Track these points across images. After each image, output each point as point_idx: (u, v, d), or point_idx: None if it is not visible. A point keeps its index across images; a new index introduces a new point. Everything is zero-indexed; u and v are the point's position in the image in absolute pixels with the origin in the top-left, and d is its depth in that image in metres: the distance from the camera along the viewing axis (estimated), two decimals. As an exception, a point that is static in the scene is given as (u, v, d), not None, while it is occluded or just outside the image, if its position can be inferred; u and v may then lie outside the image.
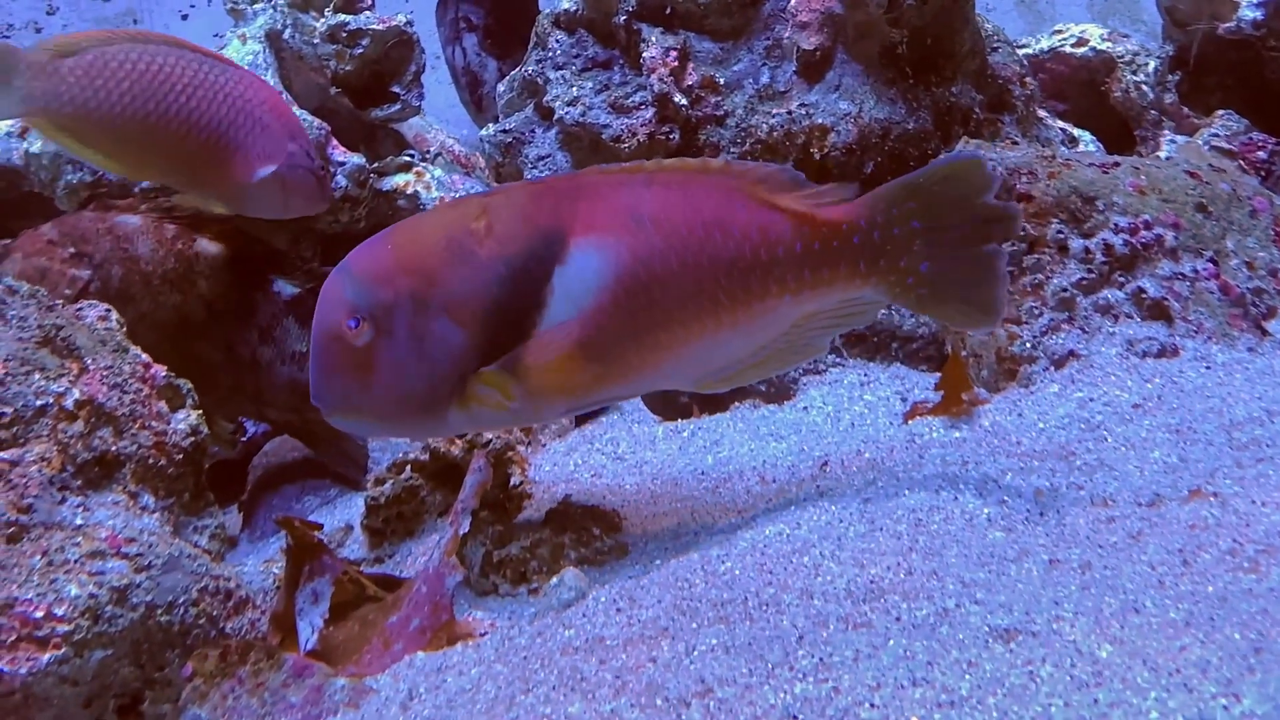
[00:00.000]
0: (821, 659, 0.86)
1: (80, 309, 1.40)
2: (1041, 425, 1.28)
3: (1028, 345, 1.41)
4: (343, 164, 2.30)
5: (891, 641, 0.86)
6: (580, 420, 1.68)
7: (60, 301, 1.37)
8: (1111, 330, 1.41)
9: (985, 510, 1.12)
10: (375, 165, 2.37)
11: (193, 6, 4.64)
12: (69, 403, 1.24)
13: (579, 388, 1.18)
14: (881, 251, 1.18)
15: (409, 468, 1.47)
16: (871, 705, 0.77)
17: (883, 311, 1.66)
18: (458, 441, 1.46)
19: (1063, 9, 4.07)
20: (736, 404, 1.61)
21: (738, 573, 1.08)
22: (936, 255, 1.18)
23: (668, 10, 2.03)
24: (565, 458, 1.52)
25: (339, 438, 1.78)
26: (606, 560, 1.27)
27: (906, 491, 1.19)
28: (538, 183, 1.20)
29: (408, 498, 1.45)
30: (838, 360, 1.65)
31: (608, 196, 1.18)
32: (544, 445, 1.57)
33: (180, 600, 1.15)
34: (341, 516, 1.60)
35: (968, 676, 0.79)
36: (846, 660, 0.85)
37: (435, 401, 1.16)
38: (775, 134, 1.95)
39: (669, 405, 1.64)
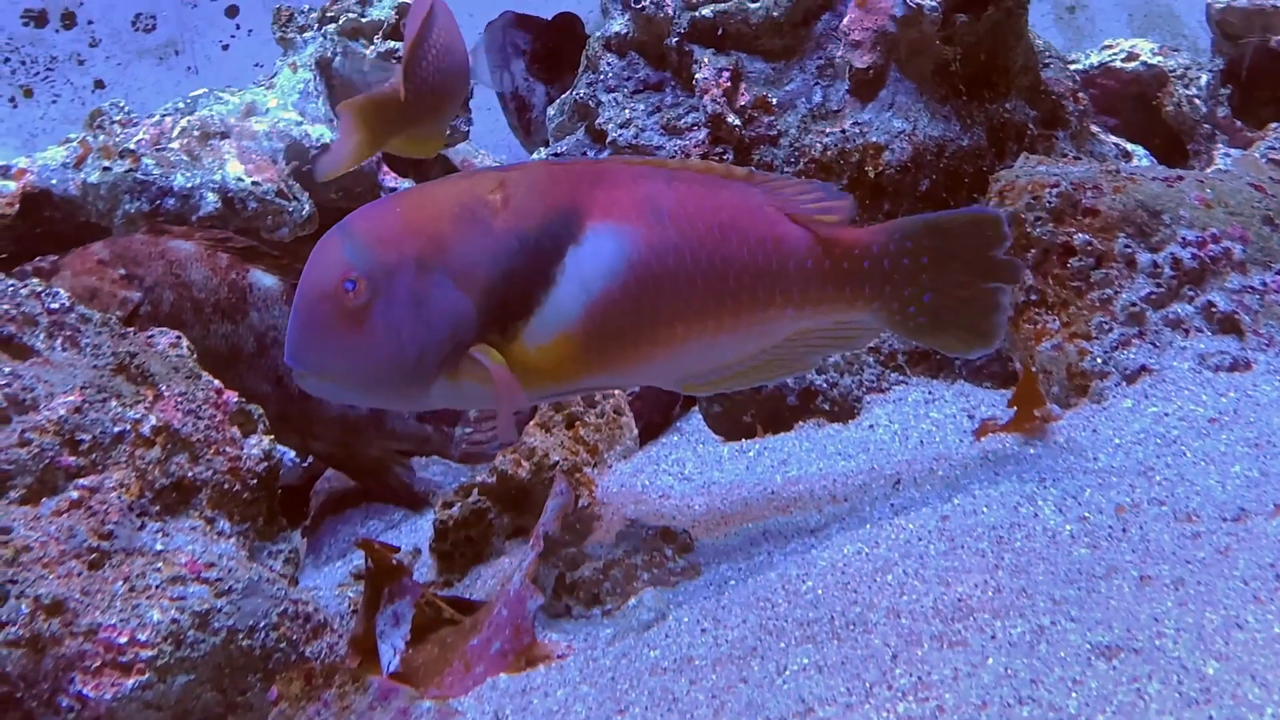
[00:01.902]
0: (920, 678, 0.85)
1: (151, 336, 1.41)
2: (1117, 441, 1.27)
3: (1099, 361, 1.40)
4: (394, 190, 2.31)
5: (990, 660, 0.86)
6: (644, 440, 1.68)
7: (133, 329, 1.39)
8: (1183, 344, 1.40)
9: (1067, 527, 1.11)
10: (426, 190, 2.38)
11: (233, 37, 4.69)
12: (146, 429, 1.25)
13: (570, 373, 1.16)
14: (888, 279, 1.21)
15: (476, 491, 1.47)
16: (978, 724, 0.77)
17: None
18: (524, 464, 1.47)
19: (1103, 25, 4.06)
20: (800, 423, 1.60)
21: (820, 592, 1.08)
22: (940, 289, 1.22)
23: (719, 31, 2.04)
24: (632, 479, 1.52)
25: (384, 471, 1.78)
26: (679, 581, 1.26)
27: (985, 509, 1.18)
28: (558, 163, 1.20)
29: (475, 521, 1.46)
30: (900, 378, 1.64)
31: (629, 185, 1.18)
32: (610, 467, 1.57)
33: (261, 624, 1.16)
34: (408, 540, 1.60)
35: (1074, 694, 0.79)
36: (946, 679, 0.84)
37: (424, 371, 1.13)
38: (829, 153, 1.95)
39: (732, 425, 1.64)
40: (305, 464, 1.88)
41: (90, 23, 4.60)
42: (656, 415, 1.82)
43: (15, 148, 4.30)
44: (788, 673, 0.91)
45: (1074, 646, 0.85)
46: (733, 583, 1.19)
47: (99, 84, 4.55)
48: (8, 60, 4.53)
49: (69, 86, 4.55)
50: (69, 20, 4.56)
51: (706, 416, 1.67)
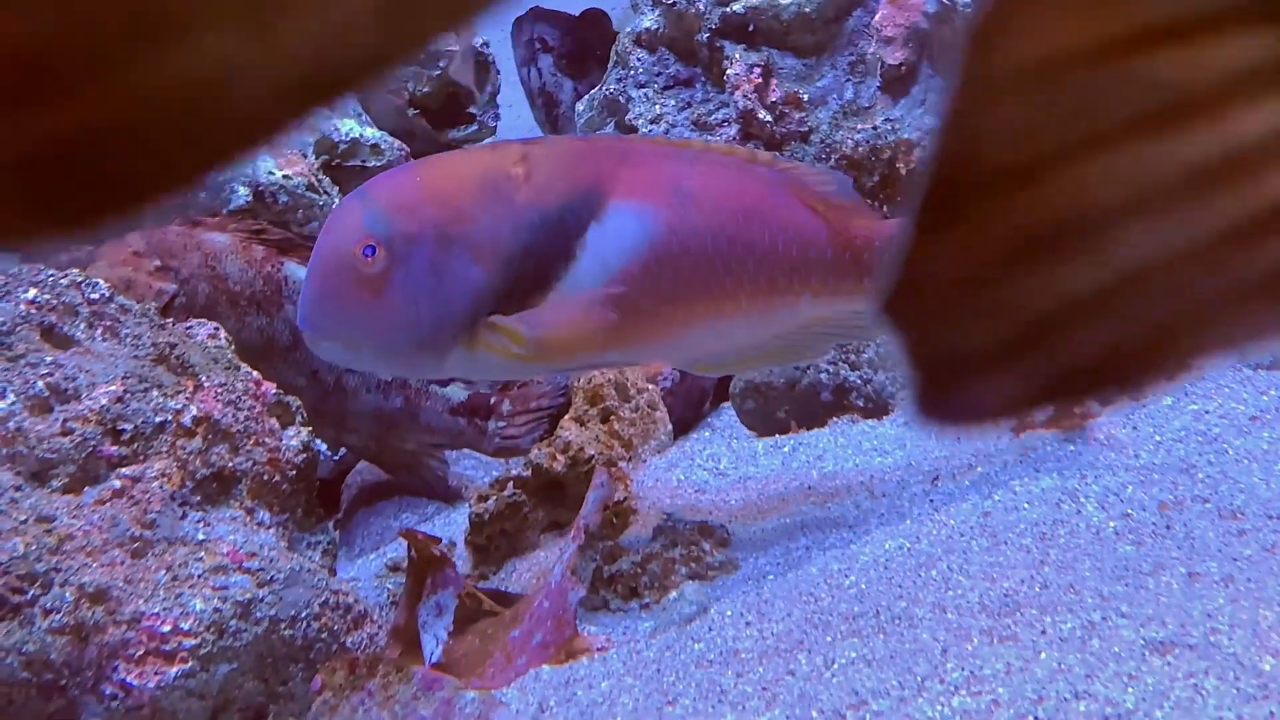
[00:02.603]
0: (972, 672, 0.85)
1: (190, 327, 1.41)
2: (1158, 438, 1.27)
3: (1138, 358, 1.39)
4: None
5: (1043, 654, 0.85)
6: (678, 435, 1.68)
7: (171, 320, 1.39)
8: (1222, 343, 1.39)
9: (1111, 524, 1.11)
10: (454, 185, 2.38)
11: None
12: (187, 419, 1.25)
13: (587, 348, 1.16)
14: None
15: (511, 484, 1.47)
16: (1036, 719, 0.77)
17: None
18: (559, 458, 1.47)
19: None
20: (835, 419, 1.60)
21: (864, 586, 1.08)
22: None
23: (750, 27, 2.04)
24: (667, 473, 1.52)
25: (418, 464, 1.78)
26: (718, 575, 1.26)
27: (1026, 505, 1.18)
28: (581, 140, 1.20)
29: (511, 514, 1.46)
30: (935, 375, 1.64)
31: (653, 165, 1.18)
32: (644, 461, 1.57)
33: (303, 614, 1.16)
34: (441, 533, 1.59)
35: (1131, 689, 0.78)
36: (999, 673, 0.84)
37: (440, 340, 1.13)
38: (860, 149, 1.95)
39: (766, 421, 1.64)
40: (336, 457, 1.89)
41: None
42: (687, 411, 1.82)
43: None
44: (836, 666, 0.91)
45: (1127, 642, 0.85)
46: (772, 577, 1.19)
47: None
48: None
49: (92, 81, 4.56)
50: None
51: (739, 412, 1.67)
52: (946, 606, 0.99)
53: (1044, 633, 0.90)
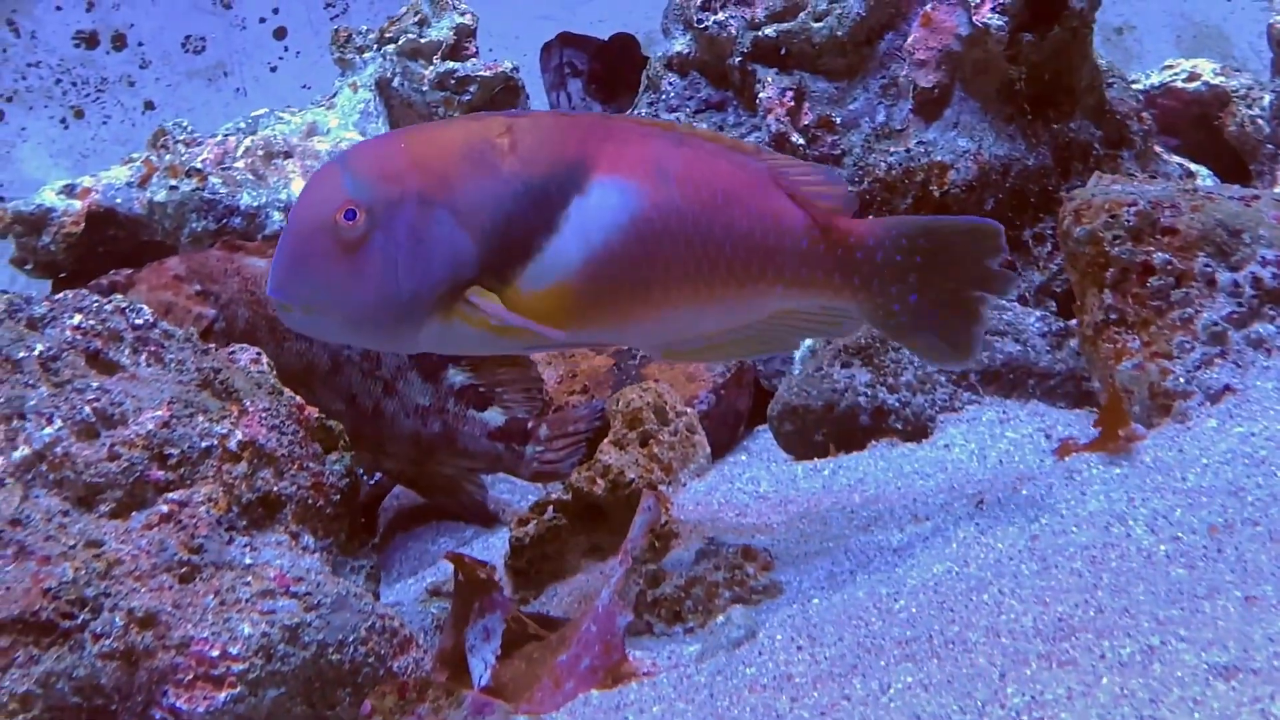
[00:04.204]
0: (1033, 697, 0.84)
1: (233, 352, 1.42)
2: (1205, 461, 1.26)
3: (1181, 380, 1.39)
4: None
5: (1104, 679, 0.85)
6: (715, 458, 1.68)
7: (213, 345, 1.39)
8: (1266, 364, 1.39)
9: (1161, 547, 1.10)
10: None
11: (281, 59, 4.73)
12: (232, 444, 1.25)
13: (561, 324, 1.15)
14: (877, 273, 1.22)
15: (552, 508, 1.47)
16: (1102, 743, 0.76)
17: (1017, 347, 1.65)
18: (599, 481, 1.47)
19: (1151, 46, 4.04)
20: (874, 442, 1.60)
21: (914, 610, 1.07)
22: (926, 292, 1.22)
23: (782, 51, 2.05)
24: (707, 497, 1.51)
25: (457, 489, 1.78)
26: (761, 599, 1.26)
27: (1074, 529, 1.17)
28: (568, 115, 1.20)
29: (551, 538, 1.46)
30: (973, 397, 1.64)
31: (638, 143, 1.18)
32: (684, 485, 1.57)
33: (350, 639, 1.16)
34: (480, 557, 1.60)
35: (1196, 714, 0.78)
36: (1060, 698, 0.83)
37: (417, 309, 1.12)
38: (894, 172, 1.95)
39: (804, 444, 1.63)
40: (372, 481, 1.89)
41: (141, 45, 4.65)
42: (723, 435, 1.82)
43: (67, 168, 4.35)
44: (893, 691, 0.91)
45: (1189, 666, 0.84)
46: (818, 601, 1.18)
47: (149, 105, 4.60)
48: (59, 81, 4.59)
49: (119, 108, 4.60)
50: (120, 42, 4.62)
51: (777, 435, 1.67)
52: (1000, 631, 0.99)
53: (1103, 657, 0.89)
